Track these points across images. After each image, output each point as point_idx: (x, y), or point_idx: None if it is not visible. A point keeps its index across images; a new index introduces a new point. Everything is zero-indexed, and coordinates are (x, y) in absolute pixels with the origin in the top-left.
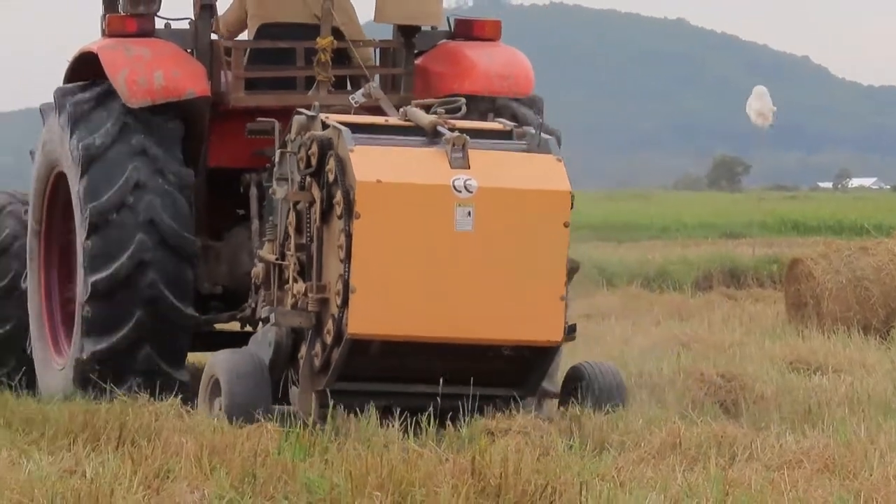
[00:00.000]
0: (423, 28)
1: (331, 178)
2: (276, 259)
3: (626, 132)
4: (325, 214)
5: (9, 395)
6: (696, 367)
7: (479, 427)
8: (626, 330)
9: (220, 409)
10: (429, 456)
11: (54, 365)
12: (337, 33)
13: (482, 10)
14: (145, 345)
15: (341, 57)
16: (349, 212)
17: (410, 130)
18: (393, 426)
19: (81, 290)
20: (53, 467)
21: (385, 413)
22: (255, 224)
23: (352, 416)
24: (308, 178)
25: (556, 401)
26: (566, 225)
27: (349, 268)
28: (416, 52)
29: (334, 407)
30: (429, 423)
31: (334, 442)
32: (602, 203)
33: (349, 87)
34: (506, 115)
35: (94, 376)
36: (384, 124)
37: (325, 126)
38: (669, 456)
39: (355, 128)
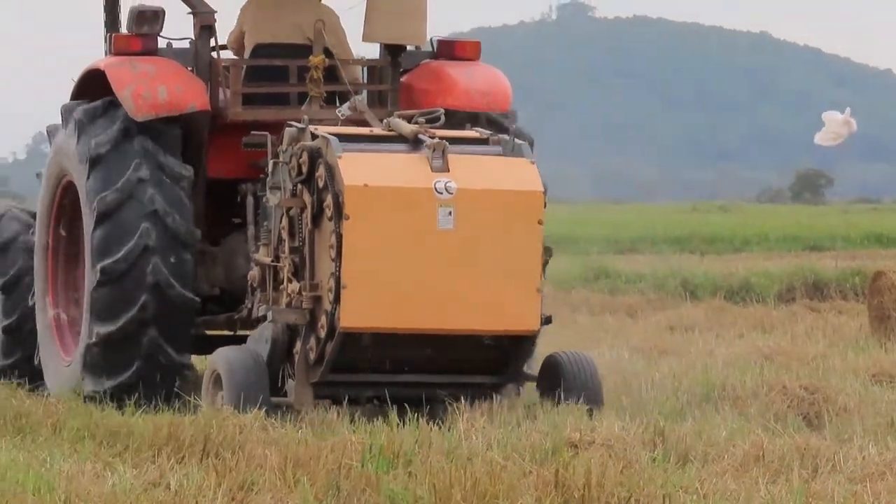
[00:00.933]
0: (408, 48)
1: (321, 183)
2: (271, 262)
3: (708, 144)
4: (316, 218)
5: (93, 407)
6: (779, 380)
7: (562, 439)
8: (710, 342)
9: (223, 402)
10: (512, 468)
11: (62, 362)
12: (328, 53)
13: (566, 22)
14: (150, 328)
15: (332, 75)
16: (339, 214)
17: (394, 139)
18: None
19: (90, 278)
20: (138, 480)
21: (370, 401)
22: (251, 230)
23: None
24: (299, 185)
25: (533, 385)
26: (540, 222)
27: (340, 266)
28: (401, 70)
29: (328, 398)
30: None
31: (418, 454)
32: (685, 215)
33: (338, 103)
34: (486, 128)
35: (102, 361)
36: (369, 134)
37: (314, 137)
38: (752, 468)
39: (342, 138)
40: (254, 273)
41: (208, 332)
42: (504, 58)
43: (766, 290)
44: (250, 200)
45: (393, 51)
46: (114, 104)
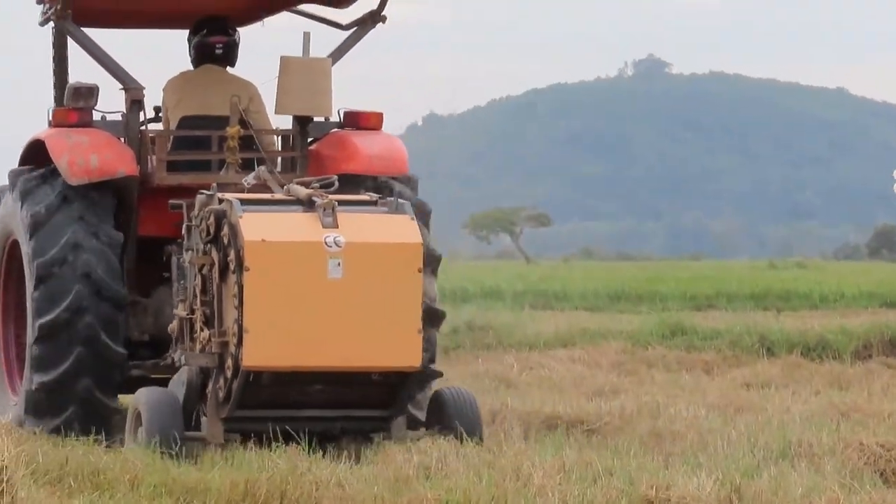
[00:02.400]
0: (316, 119)
1: (226, 241)
2: (187, 315)
3: (785, 200)
4: (223, 272)
5: (170, 463)
6: (855, 437)
7: (639, 496)
8: (786, 399)
9: (141, 437)
10: None
11: (10, 401)
12: (244, 123)
13: (642, 78)
14: (84, 377)
15: (251, 142)
16: (240, 266)
17: (292, 202)
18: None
19: (31, 332)
20: None
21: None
22: (175, 286)
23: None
24: (208, 245)
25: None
26: (419, 270)
27: (242, 312)
28: (310, 139)
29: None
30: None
31: None
32: (762, 271)
33: (256, 167)
34: (386, 191)
35: (41, 405)
36: (270, 198)
37: (220, 202)
38: None
39: (246, 201)
40: (173, 325)
41: (137, 375)
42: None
43: (843, 346)
44: (174, 259)
45: (302, 122)
46: (54, 172)
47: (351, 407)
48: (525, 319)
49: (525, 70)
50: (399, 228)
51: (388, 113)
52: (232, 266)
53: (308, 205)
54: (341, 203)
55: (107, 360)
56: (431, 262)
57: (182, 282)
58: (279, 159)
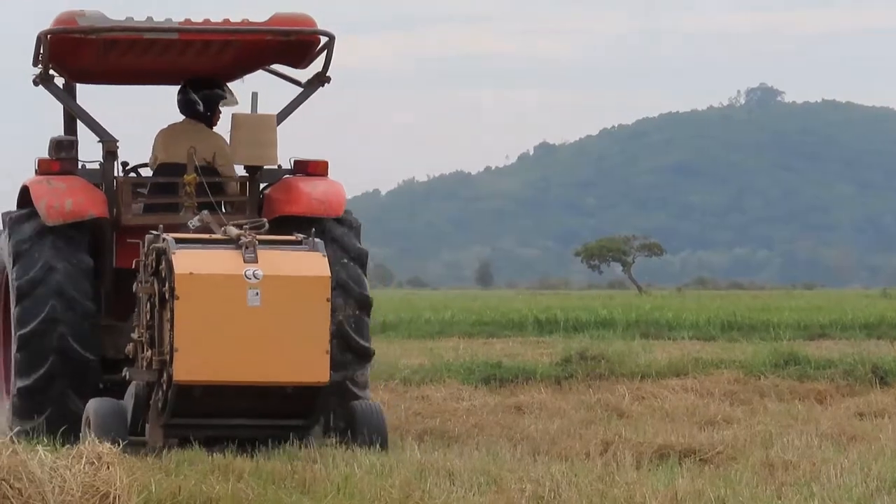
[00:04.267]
0: (268, 167)
1: (163, 274)
2: (138, 337)
3: None
4: (162, 300)
5: (283, 491)
6: None
7: None
8: None
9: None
10: None
11: (5, 406)
12: (205, 171)
13: (754, 106)
14: (58, 381)
15: (217, 187)
16: (172, 295)
17: (225, 242)
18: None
19: (14, 342)
20: None
21: (209, 442)
22: (136, 311)
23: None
24: (152, 277)
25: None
26: (328, 300)
27: (173, 334)
28: (265, 184)
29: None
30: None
31: None
32: (875, 301)
33: (222, 209)
34: (326, 233)
35: (24, 407)
36: (207, 238)
37: (163, 240)
38: None
39: (184, 241)
40: (129, 347)
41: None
42: (693, 143)
43: None
44: (136, 286)
45: (251, 170)
46: (35, 214)
47: (271, 416)
48: (637, 349)
49: (636, 99)
50: (311, 263)
51: (497, 141)
52: (167, 294)
53: (237, 244)
54: (264, 242)
55: (78, 366)
56: (364, 305)
57: (136, 310)
58: (224, 203)
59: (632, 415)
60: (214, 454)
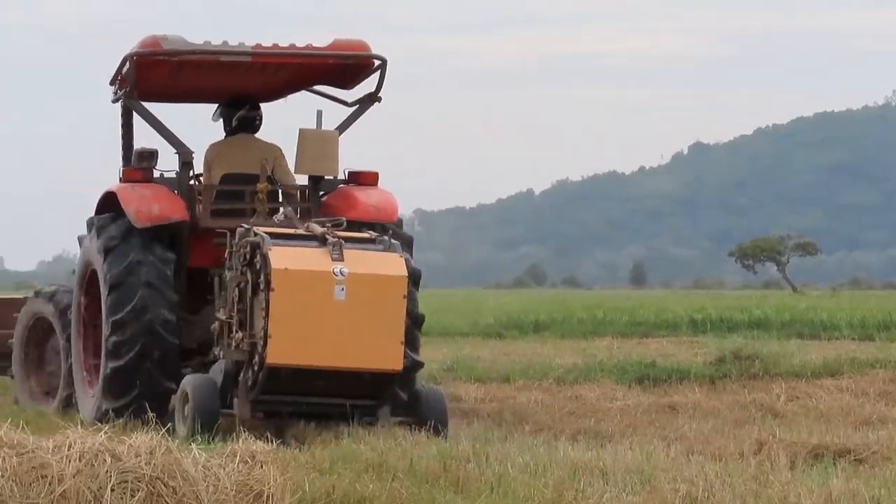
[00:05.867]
0: (326, 177)
1: (258, 266)
2: (226, 319)
3: None
4: (254, 289)
5: (436, 490)
6: None
7: None
8: None
9: (188, 413)
10: None
11: (88, 395)
12: (271, 180)
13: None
14: (147, 362)
15: (276, 195)
16: (268, 287)
17: (310, 238)
18: None
19: (105, 329)
20: None
21: (293, 416)
22: (217, 302)
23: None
24: (244, 268)
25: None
26: (404, 297)
27: (267, 321)
28: (322, 192)
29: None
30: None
31: None
32: None
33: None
34: (382, 233)
35: (115, 387)
36: (293, 233)
37: (255, 235)
38: None
39: (275, 236)
40: (215, 327)
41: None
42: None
43: None
44: (216, 281)
45: (314, 180)
46: (121, 215)
47: (346, 397)
48: (792, 349)
49: (791, 98)
50: (390, 263)
51: (651, 141)
52: (262, 285)
53: (322, 241)
54: (347, 241)
55: (163, 349)
56: (415, 321)
57: (223, 293)
58: (298, 208)
59: (786, 415)
60: (367, 453)
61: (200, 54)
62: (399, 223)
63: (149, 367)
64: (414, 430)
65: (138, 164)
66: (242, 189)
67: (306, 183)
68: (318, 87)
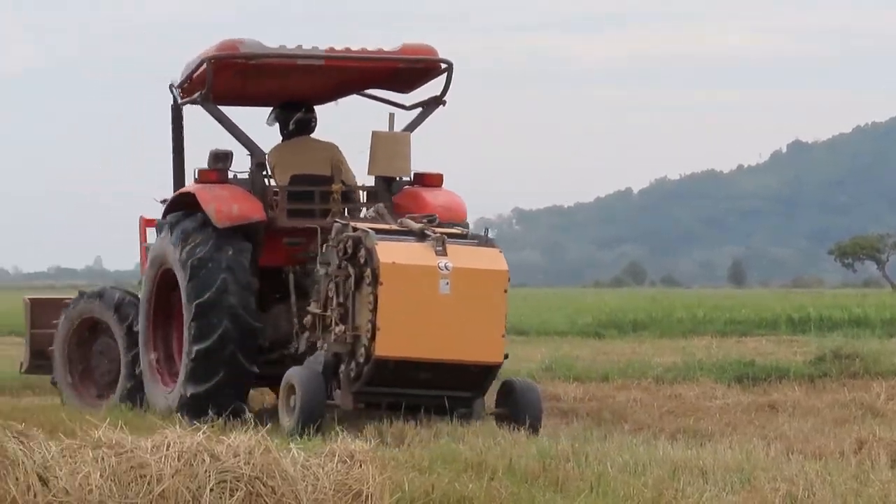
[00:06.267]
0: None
1: (362, 261)
2: (321, 312)
3: None
4: (358, 283)
5: (535, 489)
6: None
7: None
8: None
9: (294, 405)
10: None
11: (161, 389)
12: (330, 179)
13: None
14: (230, 345)
15: (346, 194)
16: (375, 281)
17: (405, 233)
18: None
19: (188, 314)
20: None
21: (392, 408)
22: (293, 298)
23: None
24: (345, 262)
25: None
26: (505, 291)
27: (376, 315)
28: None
29: (363, 403)
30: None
31: None
32: None
33: (346, 214)
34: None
35: (199, 370)
36: (389, 228)
37: (354, 230)
38: None
39: (378, 231)
40: (308, 319)
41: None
42: None
43: None
44: (291, 278)
45: (387, 181)
46: (194, 213)
47: (447, 389)
48: (893, 347)
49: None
50: (491, 258)
51: (749, 139)
52: (368, 279)
53: (420, 236)
54: (441, 234)
55: (245, 331)
56: None
57: (316, 287)
58: (388, 205)
59: (886, 414)
60: (466, 453)
61: (277, 58)
62: (465, 224)
63: (232, 349)
64: (513, 428)
65: (213, 165)
66: (312, 189)
67: (372, 183)
68: (371, 91)
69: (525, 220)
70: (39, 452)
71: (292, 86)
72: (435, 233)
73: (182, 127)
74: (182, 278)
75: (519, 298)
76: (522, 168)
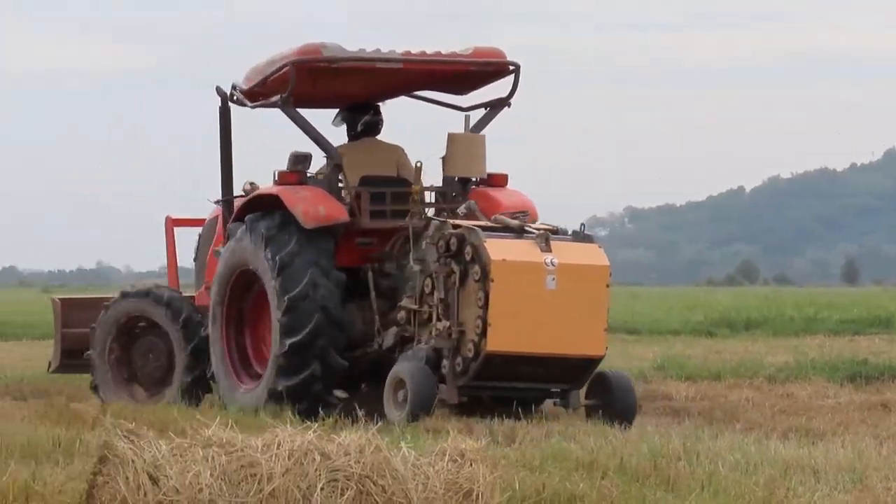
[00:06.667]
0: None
1: (468, 257)
2: (417, 307)
3: None
4: (463, 279)
5: (647, 490)
6: None
7: None
8: None
9: (402, 398)
10: None
11: (240, 389)
12: (398, 180)
13: None
14: (322, 338)
15: (404, 196)
16: (485, 278)
17: (501, 229)
18: None
19: (278, 308)
20: None
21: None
22: (373, 296)
23: None
24: (448, 259)
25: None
26: (608, 285)
27: (487, 311)
28: (454, 193)
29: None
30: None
31: None
32: None
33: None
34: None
35: (290, 364)
36: (485, 225)
37: (454, 227)
38: None
39: (486, 229)
40: (402, 315)
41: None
42: None
43: None
44: (370, 276)
45: (462, 181)
46: (269, 214)
47: (548, 382)
48: None
49: None
50: (593, 254)
51: (862, 137)
52: (475, 276)
53: (518, 232)
54: (531, 230)
55: (336, 325)
56: None
57: (410, 283)
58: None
59: None
60: (577, 451)
61: (358, 61)
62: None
63: (324, 342)
64: (605, 420)
65: (293, 167)
66: (393, 191)
67: (441, 185)
68: (419, 92)
69: (637, 219)
70: (150, 451)
71: (360, 88)
72: (535, 229)
73: (230, 130)
74: (269, 276)
75: (631, 297)
76: (635, 167)
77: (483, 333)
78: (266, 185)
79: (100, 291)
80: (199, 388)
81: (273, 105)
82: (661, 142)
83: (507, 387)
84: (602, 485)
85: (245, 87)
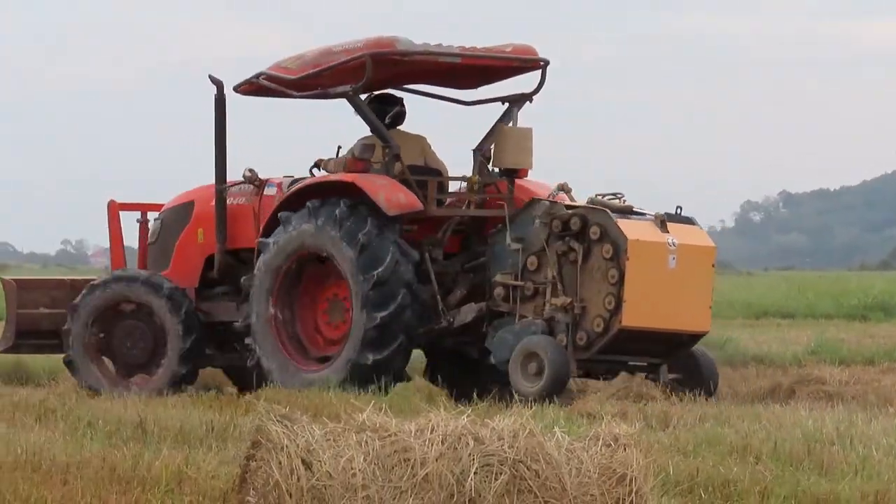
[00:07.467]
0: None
1: (594, 237)
2: (516, 282)
3: None
4: (586, 257)
5: (800, 474)
6: None
7: None
8: None
9: (534, 371)
10: None
11: (297, 370)
12: (426, 168)
13: None
14: (407, 311)
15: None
16: (618, 256)
17: (621, 210)
18: None
19: (363, 284)
20: None
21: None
22: (433, 276)
23: None
24: (569, 238)
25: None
26: (713, 265)
27: (622, 288)
28: (486, 183)
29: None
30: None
31: None
32: None
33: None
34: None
35: (377, 338)
36: (617, 207)
37: (567, 207)
38: None
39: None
40: (499, 291)
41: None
42: None
43: None
44: (428, 259)
45: (509, 172)
46: (328, 201)
47: (659, 356)
48: None
49: None
50: (700, 236)
51: None
52: (603, 255)
53: (625, 213)
54: (626, 212)
55: (419, 299)
56: None
57: (511, 260)
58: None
59: None
60: (731, 436)
61: (426, 55)
62: None
63: (409, 315)
64: (689, 392)
65: (360, 156)
66: (425, 179)
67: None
68: (415, 87)
69: (791, 204)
70: (303, 436)
71: (417, 81)
72: (640, 211)
73: (225, 119)
74: (345, 255)
75: (784, 281)
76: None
77: (615, 309)
78: (272, 175)
79: (51, 274)
80: (191, 378)
81: (336, 95)
82: (818, 126)
83: (620, 361)
84: (755, 469)
85: (288, 76)
